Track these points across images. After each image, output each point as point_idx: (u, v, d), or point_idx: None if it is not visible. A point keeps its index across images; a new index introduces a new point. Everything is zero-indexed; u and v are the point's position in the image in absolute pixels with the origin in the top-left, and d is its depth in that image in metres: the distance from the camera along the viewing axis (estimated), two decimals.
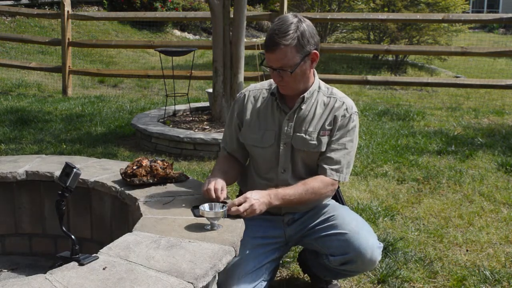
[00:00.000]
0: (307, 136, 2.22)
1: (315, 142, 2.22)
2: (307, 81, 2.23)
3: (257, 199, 2.06)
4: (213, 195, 2.09)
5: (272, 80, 2.30)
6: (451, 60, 12.10)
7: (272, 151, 2.26)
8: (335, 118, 2.23)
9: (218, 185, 2.13)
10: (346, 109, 2.24)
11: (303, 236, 2.31)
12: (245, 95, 2.35)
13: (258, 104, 2.31)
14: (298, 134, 2.23)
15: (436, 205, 3.66)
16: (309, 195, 2.18)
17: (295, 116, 2.24)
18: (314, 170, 2.28)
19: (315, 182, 2.20)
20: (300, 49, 2.10)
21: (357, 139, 2.29)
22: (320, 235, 2.24)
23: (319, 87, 2.28)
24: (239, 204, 2.04)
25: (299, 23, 2.10)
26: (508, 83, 7.00)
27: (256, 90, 2.35)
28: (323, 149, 2.23)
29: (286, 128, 2.24)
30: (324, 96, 2.27)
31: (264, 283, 2.20)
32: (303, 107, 2.23)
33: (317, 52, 2.16)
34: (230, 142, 2.39)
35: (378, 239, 2.24)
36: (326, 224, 2.23)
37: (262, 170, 2.32)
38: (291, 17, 2.13)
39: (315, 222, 2.27)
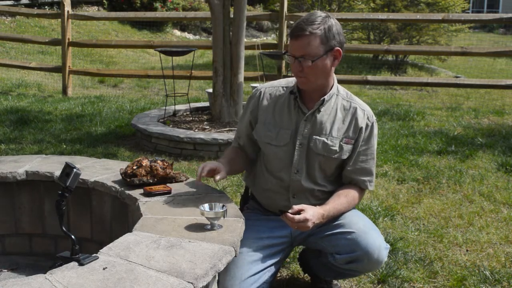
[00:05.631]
0: (329, 141, 2.21)
1: (336, 148, 2.22)
2: (327, 79, 2.21)
3: (313, 220, 2.06)
4: (198, 174, 2.17)
5: (288, 79, 2.32)
6: (451, 60, 12.10)
7: (286, 150, 2.25)
8: (360, 129, 2.24)
9: (209, 166, 2.17)
10: (368, 117, 2.27)
11: (309, 235, 2.30)
12: (261, 92, 2.34)
13: (274, 102, 2.30)
14: (318, 137, 2.22)
15: (436, 205, 3.66)
16: (350, 206, 2.27)
17: (313, 118, 2.23)
18: (330, 175, 2.29)
19: (355, 193, 2.28)
20: (324, 41, 2.11)
21: None
22: (326, 234, 2.24)
23: (338, 91, 2.29)
24: (297, 212, 2.05)
25: (328, 18, 2.14)
26: (508, 83, 7.00)
27: (272, 87, 2.34)
28: (344, 157, 2.24)
29: (303, 129, 2.23)
30: (344, 100, 2.27)
31: (266, 286, 2.20)
32: (322, 109, 2.23)
33: (341, 50, 2.17)
34: (240, 138, 2.41)
35: None
36: (333, 223, 2.23)
37: (274, 169, 2.30)
38: (320, 12, 2.17)
39: None
